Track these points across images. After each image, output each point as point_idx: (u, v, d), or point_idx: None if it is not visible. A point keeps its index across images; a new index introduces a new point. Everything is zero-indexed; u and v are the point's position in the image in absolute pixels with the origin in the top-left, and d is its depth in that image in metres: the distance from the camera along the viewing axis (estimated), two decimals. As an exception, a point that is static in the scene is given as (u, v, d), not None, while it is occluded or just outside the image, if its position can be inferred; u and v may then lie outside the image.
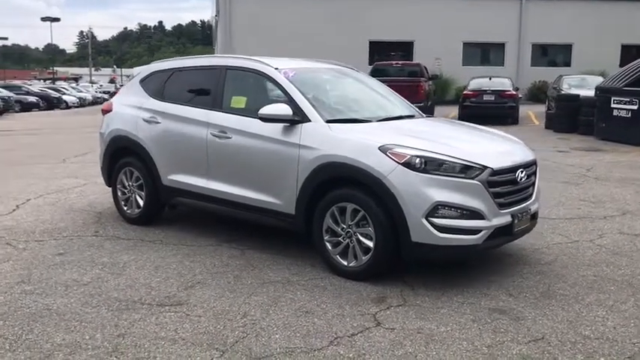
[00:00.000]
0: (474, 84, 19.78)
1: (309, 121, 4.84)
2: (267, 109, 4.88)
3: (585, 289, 4.45)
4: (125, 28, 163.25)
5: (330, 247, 4.70)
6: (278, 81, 5.14)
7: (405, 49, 30.09)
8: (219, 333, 3.63)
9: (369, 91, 6.04)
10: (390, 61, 20.84)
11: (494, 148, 4.86)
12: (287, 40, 28.78)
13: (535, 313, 3.99)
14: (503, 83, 19.53)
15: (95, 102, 44.59)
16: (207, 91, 5.66)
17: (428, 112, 20.27)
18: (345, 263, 4.61)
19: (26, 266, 4.88)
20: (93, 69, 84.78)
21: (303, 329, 3.69)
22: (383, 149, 4.37)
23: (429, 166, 4.27)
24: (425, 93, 17.08)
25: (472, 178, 4.29)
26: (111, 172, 6.44)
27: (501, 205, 4.44)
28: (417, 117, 5.70)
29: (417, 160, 4.27)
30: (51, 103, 37.24)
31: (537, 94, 28.46)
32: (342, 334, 3.63)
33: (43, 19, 62.33)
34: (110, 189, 6.58)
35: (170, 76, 6.10)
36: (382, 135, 4.60)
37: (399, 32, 29.84)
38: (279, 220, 5.03)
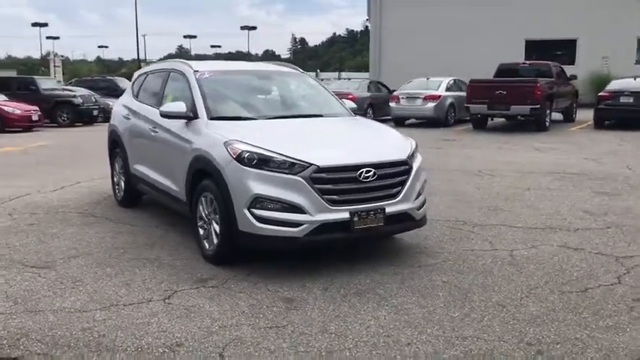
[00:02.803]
0: (614, 85, 17.88)
1: (198, 117, 5.35)
2: (165, 107, 5.51)
3: (410, 291, 4.36)
4: (334, 34, 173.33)
5: (201, 232, 5.17)
6: (190, 81, 5.72)
7: (566, 47, 27.95)
8: (41, 292, 4.34)
9: (290, 92, 6.32)
10: (518, 61, 19.72)
11: (342, 147, 4.95)
12: (437, 43, 28.51)
13: (319, 305, 4.08)
14: (650, 84, 17.33)
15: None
16: (156, 91, 6.44)
17: (566, 115, 18.95)
18: (207, 247, 5.06)
19: (-8, 231, 6.10)
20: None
21: (102, 296, 4.26)
22: (226, 144, 4.74)
23: (258, 161, 4.55)
24: (543, 95, 15.97)
25: (295, 174, 4.48)
26: (110, 161, 7.55)
27: (334, 202, 4.54)
28: (326, 116, 5.85)
29: (247, 154, 4.58)
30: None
31: None
32: (122, 303, 4.14)
33: (242, 27, 69.03)
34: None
35: (145, 79, 6.99)
36: (237, 132, 4.94)
37: (560, 29, 27.59)
38: (179, 205, 5.62)
